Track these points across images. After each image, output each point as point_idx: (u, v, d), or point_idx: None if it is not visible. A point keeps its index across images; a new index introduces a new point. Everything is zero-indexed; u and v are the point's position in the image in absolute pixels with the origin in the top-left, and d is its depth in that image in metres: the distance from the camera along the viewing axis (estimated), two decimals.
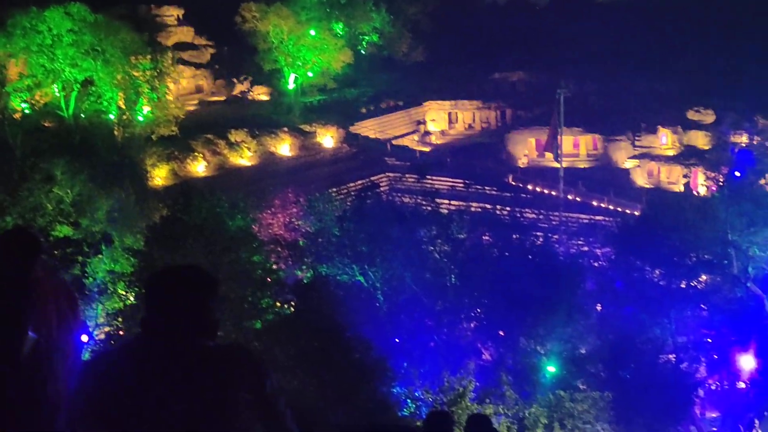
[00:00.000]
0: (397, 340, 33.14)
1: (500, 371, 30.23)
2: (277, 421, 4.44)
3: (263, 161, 73.59)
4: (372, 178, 67.28)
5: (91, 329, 29.89)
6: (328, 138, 79.67)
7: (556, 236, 52.01)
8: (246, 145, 73.11)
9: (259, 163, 73.34)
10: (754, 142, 72.90)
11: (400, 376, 29.21)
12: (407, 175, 71.90)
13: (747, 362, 32.27)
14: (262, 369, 4.35)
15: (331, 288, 31.50)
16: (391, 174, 74.86)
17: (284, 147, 76.11)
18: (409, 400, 27.88)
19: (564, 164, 75.16)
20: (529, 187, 76.68)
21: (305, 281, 34.54)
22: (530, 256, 39.03)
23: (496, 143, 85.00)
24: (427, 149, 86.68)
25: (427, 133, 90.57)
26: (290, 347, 24.52)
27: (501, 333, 35.64)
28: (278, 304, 31.43)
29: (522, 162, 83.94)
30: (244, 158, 72.96)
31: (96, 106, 63.14)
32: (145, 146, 63.67)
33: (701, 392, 34.52)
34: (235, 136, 72.93)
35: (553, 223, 64.06)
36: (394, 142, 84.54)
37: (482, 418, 10.28)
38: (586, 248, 51.74)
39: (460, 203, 56.34)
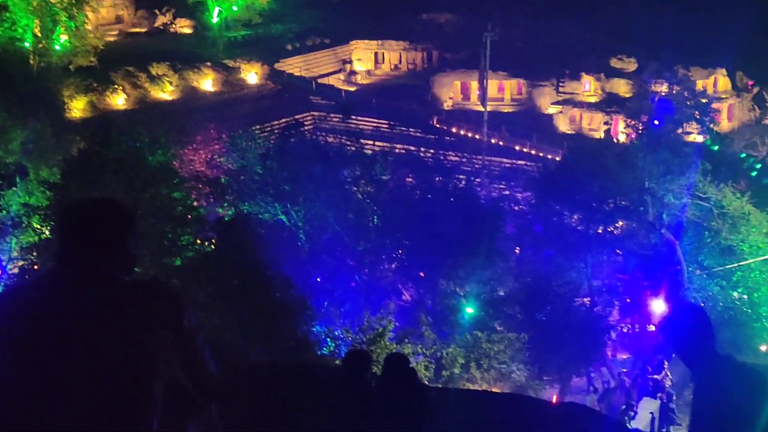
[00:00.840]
0: (318, 279, 33.20)
1: (420, 312, 30.60)
2: (194, 358, 4.36)
3: (185, 96, 72.17)
4: (296, 117, 66.60)
5: (4, 263, 29.19)
6: (252, 74, 78.47)
7: (478, 179, 52.49)
8: (168, 79, 71.56)
9: (180, 97, 71.89)
10: (674, 92, 74.10)
11: (321, 316, 29.31)
12: (332, 115, 71.50)
13: (658, 306, 33.22)
14: (180, 305, 4.25)
15: (252, 226, 31.25)
16: (315, 113, 74.27)
17: (207, 82, 74.71)
18: (329, 339, 28.03)
19: (488, 108, 75.55)
20: (454, 130, 76.96)
21: (226, 219, 34.16)
22: (452, 199, 39.30)
23: (422, 85, 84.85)
24: (352, 89, 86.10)
25: (353, 72, 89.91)
26: (210, 285, 24.32)
27: (421, 274, 35.98)
28: (198, 241, 31.08)
29: (447, 105, 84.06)
30: (166, 92, 71.43)
31: (10, 33, 60.74)
32: (63, 77, 61.69)
33: (614, 334, 35.52)
34: (157, 69, 71.26)
35: (476, 166, 64.55)
36: (319, 80, 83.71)
37: (400, 357, 10.35)
38: (507, 192, 52.37)
39: (385, 144, 56.35)
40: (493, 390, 26.72)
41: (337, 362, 21.42)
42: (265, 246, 27.82)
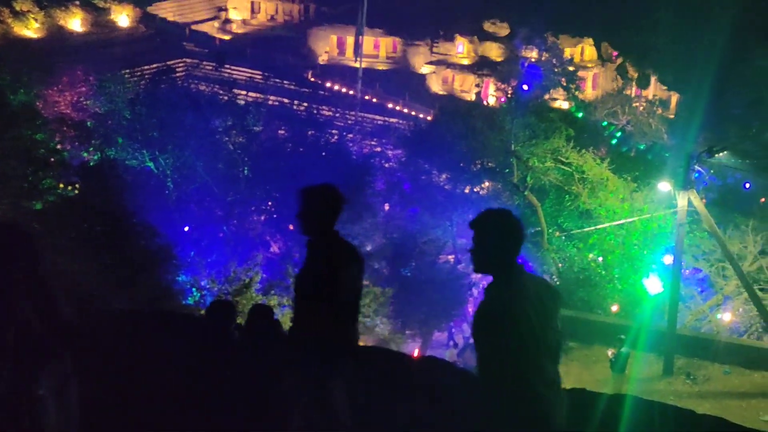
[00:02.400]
0: (185, 228, 32.78)
1: (287, 264, 30.65)
2: (47, 304, 4.31)
3: (51, 35, 69.19)
4: (168, 63, 64.95)
5: None
6: (123, 16, 75.85)
7: (351, 135, 52.58)
8: (33, 16, 68.38)
9: (46, 36, 68.88)
10: (543, 59, 76.14)
11: (187, 265, 29.01)
12: (205, 63, 70.05)
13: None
14: (34, 249, 4.18)
15: (118, 172, 30.47)
16: (188, 60, 72.59)
17: (75, 22, 71.79)
18: (194, 289, 27.81)
19: (363, 64, 75.64)
20: (328, 84, 76.76)
21: (91, 164, 33.21)
22: (324, 153, 39.36)
23: (298, 37, 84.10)
24: (227, 37, 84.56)
25: (228, 20, 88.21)
26: (72, 230, 23.69)
27: (290, 227, 35.99)
28: (61, 185, 30.10)
29: (322, 59, 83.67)
30: (30, 30, 68.27)
31: None
32: None
33: (475, 291, 36.46)
34: (21, 5, 67.97)
35: (349, 122, 64.64)
36: (193, 27, 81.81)
37: (265, 308, 10.44)
38: (379, 149, 52.74)
39: (258, 95, 55.68)
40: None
41: (202, 312, 21.30)
42: (131, 193, 27.24)
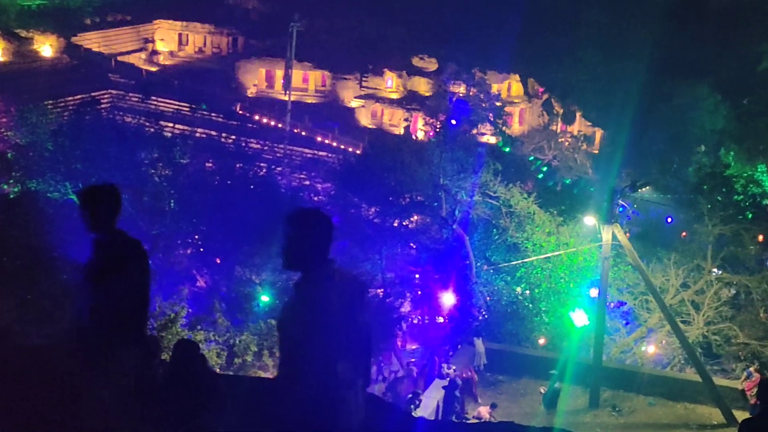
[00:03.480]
0: None
1: (214, 298, 30.19)
2: None
3: None
4: (93, 94, 64.08)
5: None
6: (46, 47, 74.59)
7: (279, 168, 52.41)
8: None
9: None
10: (471, 94, 77.10)
11: None
12: (131, 94, 69.25)
13: (447, 299, 34.42)
14: None
15: (40, 205, 29.73)
16: (114, 91, 71.67)
17: None
18: None
19: (292, 98, 75.63)
20: (256, 117, 76.50)
21: (11, 196, 32.36)
22: (252, 186, 39.06)
23: (226, 70, 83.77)
24: (154, 69, 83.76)
25: (155, 52, 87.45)
26: None
27: (217, 261, 35.54)
28: None
29: (251, 91, 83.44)
30: None
31: None
32: None
33: (404, 325, 36.47)
34: None
35: (278, 155, 64.47)
36: (119, 58, 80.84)
37: (190, 343, 10.23)
38: (307, 182, 52.62)
39: (185, 128, 55.13)
40: None
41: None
42: (52, 226, 26.56)
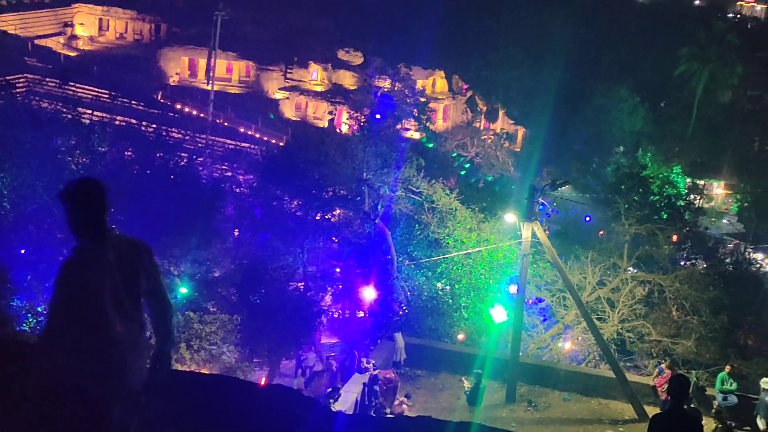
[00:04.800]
0: (22, 251, 31.22)
1: None
2: None
3: None
4: (7, 78, 62.10)
5: None
6: None
7: (200, 159, 51.66)
8: None
9: None
10: (395, 89, 77.29)
11: (22, 289, 27.56)
12: (48, 79, 67.45)
13: (368, 293, 34.41)
14: None
15: None
16: (30, 75, 69.71)
17: None
18: (29, 315, 26.46)
19: (215, 87, 74.74)
20: (178, 106, 75.40)
21: None
22: (173, 176, 38.41)
23: (148, 57, 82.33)
24: (73, 54, 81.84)
25: (75, 37, 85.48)
26: None
27: None
28: None
29: (173, 80, 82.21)
30: None
31: None
32: None
33: (324, 319, 36.32)
34: None
35: (199, 145, 63.56)
36: (36, 41, 78.75)
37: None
38: (229, 173, 52.02)
39: (104, 115, 53.96)
40: (202, 371, 26.46)
41: (36, 339, 20.19)
42: None
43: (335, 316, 38.18)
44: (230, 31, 76.59)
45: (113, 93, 68.05)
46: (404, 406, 26.26)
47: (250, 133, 73.86)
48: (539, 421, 28.04)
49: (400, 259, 37.88)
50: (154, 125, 55.05)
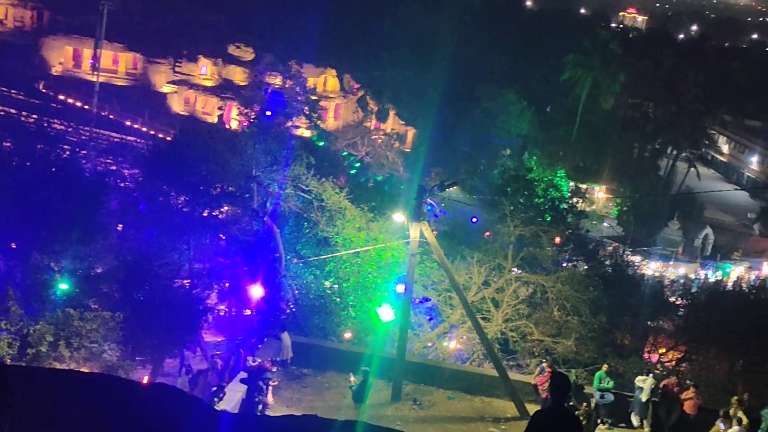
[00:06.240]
0: None
1: (7, 285, 28.55)
2: None
3: None
4: None
5: None
6: None
7: (84, 152, 50.15)
8: None
9: None
10: (287, 86, 76.92)
11: None
12: None
13: (256, 291, 34.09)
14: None
15: None
16: None
17: None
18: None
19: (101, 79, 72.83)
20: (61, 97, 73.23)
21: None
22: (54, 169, 37.15)
23: (29, 46, 79.62)
24: None
25: None
26: None
27: (13, 246, 33.61)
28: None
29: (56, 70, 79.80)
30: None
31: None
32: None
33: (210, 317, 35.81)
34: None
35: (83, 137, 61.82)
36: None
37: None
38: (114, 167, 50.65)
39: None
40: (82, 369, 25.74)
41: None
42: None
43: (221, 314, 37.69)
44: (118, 22, 74.75)
45: None
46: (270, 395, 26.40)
47: (136, 126, 72.30)
48: (423, 419, 28.34)
49: (288, 257, 37.69)
50: (35, 116, 53.24)
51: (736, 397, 26.66)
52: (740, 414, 25.67)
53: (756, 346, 33.95)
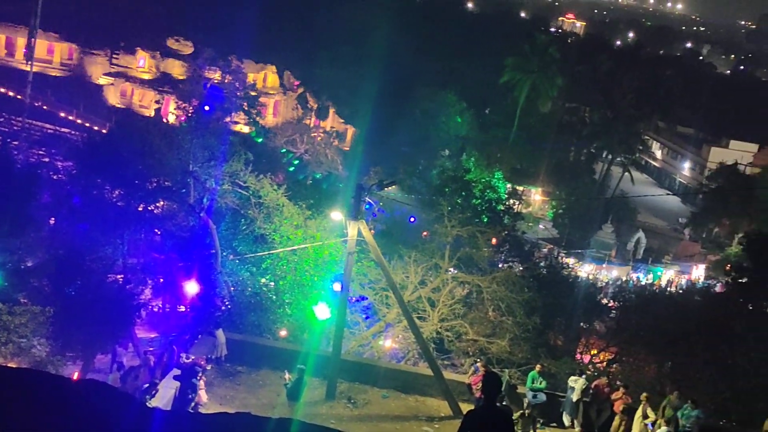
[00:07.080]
0: None
1: None
2: None
3: None
4: None
5: None
6: None
7: (16, 143, 49.20)
8: None
9: None
10: (226, 81, 76.26)
11: None
12: None
13: (191, 287, 33.74)
14: None
15: None
16: None
17: None
18: None
19: (35, 69, 71.36)
20: None
21: None
22: None
23: None
24: None
25: None
26: None
27: None
28: None
29: None
30: None
31: None
32: None
33: (144, 313, 35.34)
34: None
35: (15, 128, 60.57)
36: None
37: None
38: (47, 159, 49.78)
39: None
40: (10, 365, 25.22)
41: None
42: None
43: (155, 309, 37.19)
44: (53, 11, 73.23)
45: None
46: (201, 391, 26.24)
47: (71, 118, 71.00)
48: (358, 417, 28.36)
49: (224, 253, 37.39)
50: None
51: (645, 394, 27.41)
52: (648, 411, 26.50)
53: (684, 348, 34.65)
